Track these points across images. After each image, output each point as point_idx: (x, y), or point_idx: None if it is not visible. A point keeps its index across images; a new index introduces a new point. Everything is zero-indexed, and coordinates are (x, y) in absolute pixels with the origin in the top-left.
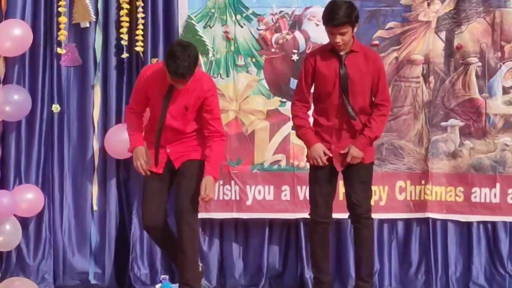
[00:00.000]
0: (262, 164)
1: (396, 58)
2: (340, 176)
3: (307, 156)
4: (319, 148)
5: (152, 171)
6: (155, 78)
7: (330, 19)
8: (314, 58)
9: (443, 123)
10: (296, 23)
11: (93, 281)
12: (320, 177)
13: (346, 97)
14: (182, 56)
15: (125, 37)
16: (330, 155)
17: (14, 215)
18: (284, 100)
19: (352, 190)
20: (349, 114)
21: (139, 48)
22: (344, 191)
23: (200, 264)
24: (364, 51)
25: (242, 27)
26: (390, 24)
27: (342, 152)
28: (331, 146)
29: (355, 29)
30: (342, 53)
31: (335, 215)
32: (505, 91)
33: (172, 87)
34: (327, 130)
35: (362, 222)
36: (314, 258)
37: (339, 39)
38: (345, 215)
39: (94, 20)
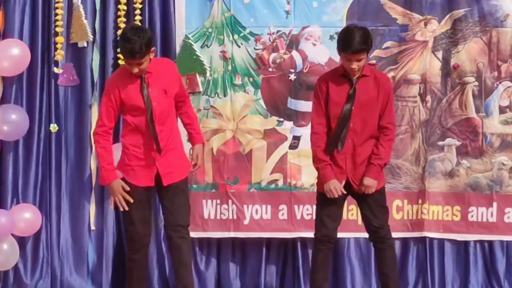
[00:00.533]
0: (259, 183)
1: (393, 77)
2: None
3: (317, 184)
4: (336, 183)
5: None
6: (122, 77)
7: (347, 46)
8: (326, 83)
9: (440, 142)
10: (293, 43)
11: None
12: (329, 199)
13: (346, 125)
14: (133, 36)
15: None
16: (344, 192)
17: (12, 234)
18: (281, 119)
19: (372, 215)
20: (339, 143)
21: None
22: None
23: None
24: (374, 74)
25: (239, 46)
26: (387, 43)
27: (359, 187)
28: (345, 171)
29: (370, 55)
30: (353, 77)
31: None
32: (502, 110)
33: (144, 77)
34: (340, 155)
35: (386, 242)
36: (314, 278)
37: (355, 65)
38: (342, 234)
39: (92, 39)
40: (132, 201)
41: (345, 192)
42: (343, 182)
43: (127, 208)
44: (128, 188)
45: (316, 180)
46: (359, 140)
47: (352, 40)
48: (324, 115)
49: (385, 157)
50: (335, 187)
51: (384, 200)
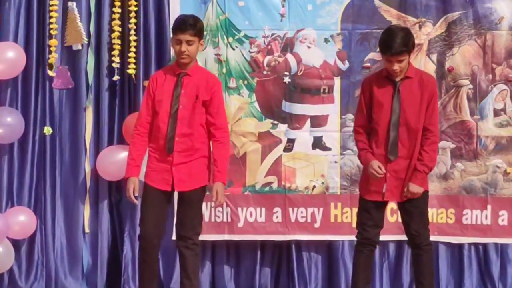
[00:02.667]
0: (253, 186)
1: None
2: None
3: (359, 189)
4: (375, 163)
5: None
6: (161, 74)
7: (388, 47)
8: (371, 84)
9: None
10: (288, 46)
11: None
12: (369, 204)
13: (395, 128)
14: (187, 15)
15: (117, 59)
16: (384, 171)
17: (7, 237)
18: (275, 122)
19: (411, 221)
20: (393, 150)
21: (131, 71)
22: (338, 213)
23: None
24: (419, 75)
25: (234, 49)
26: None
27: (404, 193)
28: (386, 175)
29: (412, 56)
30: (397, 79)
31: (326, 237)
32: (496, 113)
33: (181, 78)
34: (379, 157)
35: (423, 248)
36: (355, 280)
37: (396, 66)
38: (336, 237)
39: (86, 42)
40: (136, 202)
41: (384, 171)
42: (384, 187)
43: (137, 203)
44: (136, 193)
45: (359, 185)
46: (405, 144)
47: (393, 42)
48: (366, 114)
49: (429, 161)
50: (378, 165)
51: (425, 207)
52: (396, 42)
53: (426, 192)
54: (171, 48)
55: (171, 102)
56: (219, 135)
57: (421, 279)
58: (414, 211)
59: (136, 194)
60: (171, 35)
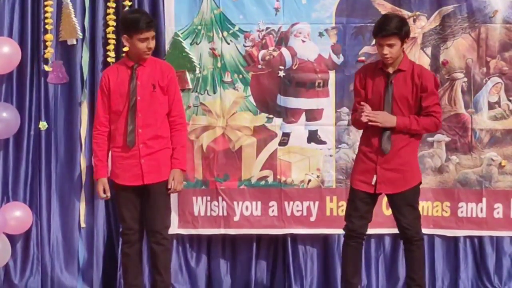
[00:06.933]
0: (249, 180)
1: None
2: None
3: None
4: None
5: (127, 185)
6: (113, 69)
7: (380, 29)
8: (365, 72)
9: (430, 138)
10: (282, 40)
11: None
12: (357, 196)
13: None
14: (138, 11)
15: (112, 54)
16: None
17: (3, 233)
18: (271, 116)
19: (401, 215)
20: (386, 143)
21: None
22: (333, 206)
23: None
24: (412, 68)
25: (228, 43)
26: None
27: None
28: (376, 167)
29: (404, 45)
30: (390, 71)
31: (322, 230)
32: (491, 106)
33: (135, 69)
34: (371, 150)
35: (414, 244)
36: (344, 272)
37: (386, 50)
38: (332, 231)
39: (81, 37)
40: (107, 196)
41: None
42: (374, 179)
43: (108, 197)
44: (108, 194)
45: (350, 175)
46: (397, 137)
47: (386, 25)
48: (362, 100)
49: (422, 126)
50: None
51: (415, 200)
52: (389, 25)
53: (418, 185)
54: (166, 43)
55: (129, 95)
56: (176, 122)
57: (412, 274)
58: (403, 204)
59: (108, 194)
60: (165, 30)
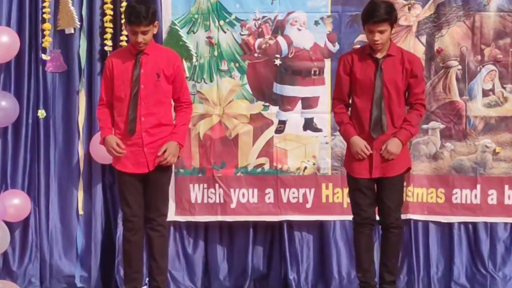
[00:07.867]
0: (246, 167)
1: None
2: None
3: (345, 165)
4: (359, 141)
5: (131, 173)
6: (118, 56)
7: (370, 16)
8: (352, 58)
9: (424, 126)
10: (278, 28)
11: (79, 284)
12: (361, 184)
13: (378, 106)
14: (139, 4)
15: (109, 43)
16: (371, 151)
17: (2, 220)
18: (267, 104)
19: (386, 198)
20: (376, 128)
21: None
22: (329, 193)
23: None
24: (401, 53)
25: (225, 32)
26: None
27: (381, 151)
28: (372, 151)
29: (393, 30)
30: (379, 56)
31: (318, 217)
32: (485, 93)
33: (139, 57)
34: (361, 135)
35: (391, 231)
36: (361, 261)
37: (377, 37)
38: (328, 217)
39: (79, 26)
40: (123, 150)
41: (371, 152)
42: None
43: (124, 152)
44: (122, 145)
45: (344, 163)
46: (387, 122)
47: (375, 11)
48: (345, 87)
49: (416, 125)
50: (360, 147)
51: (402, 186)
52: (379, 11)
53: (407, 170)
54: (163, 32)
55: (131, 83)
56: (184, 106)
57: (385, 261)
58: (391, 188)
59: (123, 147)
60: (162, 19)
